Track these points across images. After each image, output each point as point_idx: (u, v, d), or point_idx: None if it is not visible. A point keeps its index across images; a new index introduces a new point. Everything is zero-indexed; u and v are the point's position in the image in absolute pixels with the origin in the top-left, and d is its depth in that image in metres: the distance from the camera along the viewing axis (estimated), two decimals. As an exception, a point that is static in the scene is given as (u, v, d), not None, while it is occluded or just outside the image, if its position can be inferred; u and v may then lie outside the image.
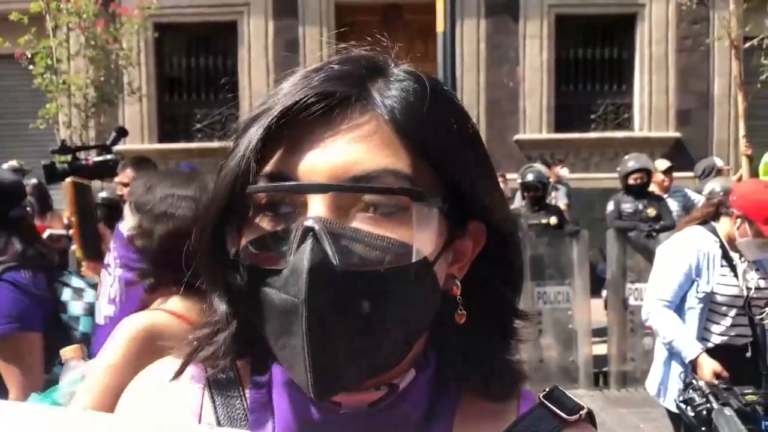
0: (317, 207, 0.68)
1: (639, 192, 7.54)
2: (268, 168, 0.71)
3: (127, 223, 1.86)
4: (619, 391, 7.03)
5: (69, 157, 4.14)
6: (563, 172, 10.00)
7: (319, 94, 0.71)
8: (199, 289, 1.79)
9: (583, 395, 6.64)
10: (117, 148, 5.23)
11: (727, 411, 3.11)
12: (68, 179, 2.94)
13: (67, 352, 1.98)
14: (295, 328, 0.66)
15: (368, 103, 0.72)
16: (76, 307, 2.66)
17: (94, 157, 4.53)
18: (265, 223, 0.71)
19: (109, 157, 4.51)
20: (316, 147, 0.70)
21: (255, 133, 0.71)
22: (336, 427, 0.73)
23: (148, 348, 1.59)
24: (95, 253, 2.79)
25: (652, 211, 7.43)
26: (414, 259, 0.69)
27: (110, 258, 1.96)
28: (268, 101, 0.74)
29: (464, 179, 0.74)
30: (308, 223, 0.67)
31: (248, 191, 0.70)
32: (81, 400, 1.61)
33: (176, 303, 1.78)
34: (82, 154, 4.30)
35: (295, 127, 0.71)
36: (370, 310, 0.67)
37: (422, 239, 0.70)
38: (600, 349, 7.32)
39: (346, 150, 0.70)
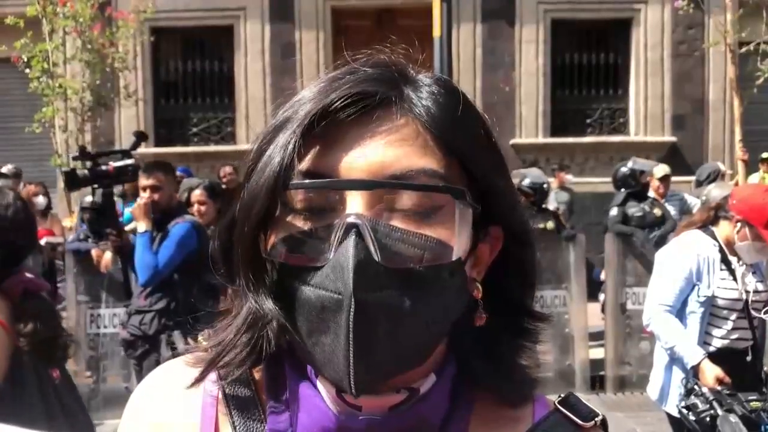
0: (356, 204, 0.69)
1: (640, 195, 7.56)
2: (304, 166, 0.71)
3: None
4: (616, 395, 7.03)
5: (88, 163, 4.13)
6: (569, 177, 10.05)
7: (358, 94, 0.71)
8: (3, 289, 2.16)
9: (579, 399, 6.63)
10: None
11: (732, 418, 3.11)
12: None
13: None
14: (333, 323, 0.66)
15: (405, 106, 0.73)
16: None
17: (114, 163, 4.53)
18: (296, 221, 0.71)
19: (129, 162, 4.50)
20: (354, 146, 0.71)
21: (294, 131, 0.71)
22: None
23: None
24: None
25: (658, 212, 7.46)
26: (454, 258, 0.70)
27: None
28: (294, 105, 0.75)
29: (490, 180, 0.76)
30: (351, 219, 0.67)
31: (292, 187, 0.70)
32: None
33: None
34: (100, 160, 4.29)
35: (330, 127, 0.71)
36: (410, 308, 0.68)
37: (461, 239, 0.71)
38: (596, 353, 7.32)
39: (384, 149, 0.71)
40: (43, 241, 7.84)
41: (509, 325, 0.81)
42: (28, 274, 2.31)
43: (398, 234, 0.69)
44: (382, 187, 0.69)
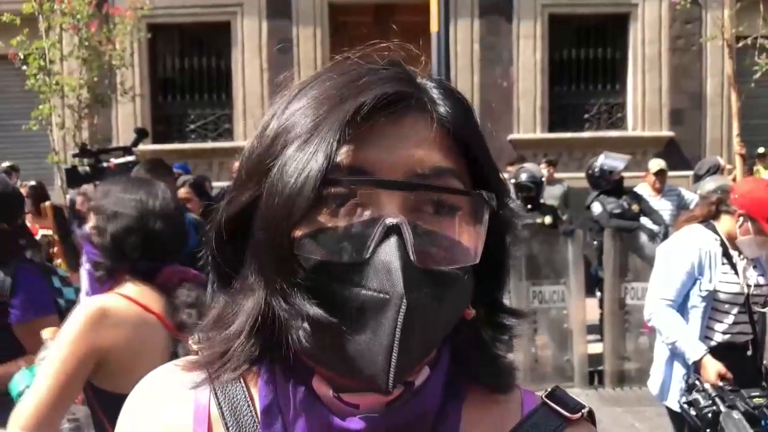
0: (392, 204, 0.70)
1: (617, 191, 7.55)
2: (345, 161, 0.71)
3: (89, 224, 2.18)
4: (614, 390, 7.04)
5: (87, 160, 4.13)
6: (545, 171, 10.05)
7: (396, 94, 0.72)
8: (149, 277, 2.07)
9: (578, 394, 6.65)
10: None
11: (735, 414, 3.11)
12: (47, 203, 3.16)
13: (45, 332, 2.34)
14: (375, 322, 0.67)
15: (429, 106, 0.75)
16: (69, 293, 3.01)
17: (116, 160, 4.52)
18: (327, 217, 0.71)
19: (130, 159, 4.50)
20: (387, 145, 0.72)
21: (333, 128, 0.70)
22: (355, 430, 0.73)
23: (99, 324, 1.94)
24: (76, 264, 3.15)
25: (636, 207, 7.46)
26: (476, 260, 0.74)
27: (83, 257, 2.28)
28: (314, 106, 0.74)
29: (492, 180, 0.78)
30: (393, 220, 0.69)
31: (341, 184, 0.70)
32: (46, 368, 1.92)
33: (129, 288, 2.08)
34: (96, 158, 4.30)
35: (364, 125, 0.71)
36: (438, 307, 0.70)
37: (480, 241, 0.75)
38: (595, 348, 7.33)
39: (414, 149, 0.72)
40: (38, 236, 7.83)
41: (488, 319, 0.84)
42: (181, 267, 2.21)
43: (431, 237, 0.71)
44: (425, 189, 0.71)
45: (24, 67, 9.20)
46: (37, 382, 1.92)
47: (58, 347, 1.93)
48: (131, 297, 2.04)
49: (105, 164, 4.49)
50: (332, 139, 0.69)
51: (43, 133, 9.87)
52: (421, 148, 0.72)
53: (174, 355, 1.98)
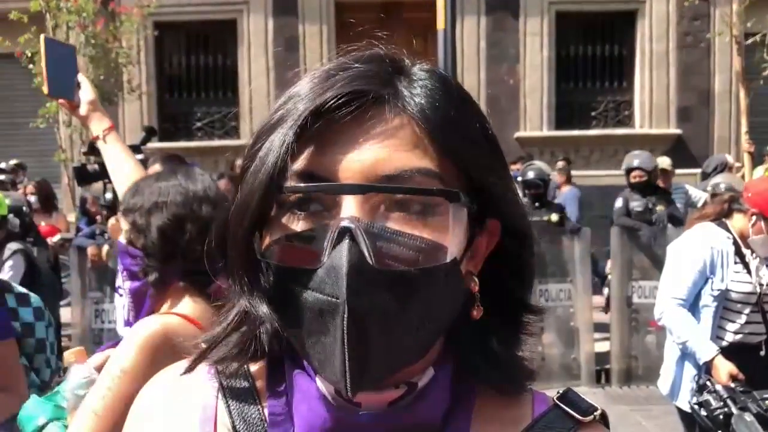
0: (350, 206, 0.69)
1: (644, 189, 7.55)
2: (298, 166, 0.71)
3: (123, 232, 1.81)
4: (621, 389, 7.02)
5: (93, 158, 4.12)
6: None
7: (351, 93, 0.71)
8: (205, 290, 1.68)
9: (584, 392, 6.63)
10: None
11: (748, 416, 3.08)
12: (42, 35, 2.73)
13: (69, 355, 1.88)
14: (331, 326, 0.67)
15: (398, 103, 0.73)
16: (26, 314, 2.63)
17: None
18: (291, 221, 0.71)
19: (139, 157, 4.50)
20: (348, 146, 0.71)
21: (287, 132, 0.70)
22: (356, 429, 0.73)
23: (163, 353, 1.52)
24: (61, 92, 2.52)
25: (661, 208, 7.44)
26: (448, 259, 0.71)
27: (118, 279, 1.88)
28: (288, 103, 0.74)
29: (485, 178, 0.75)
30: (345, 223, 0.67)
31: (287, 190, 0.70)
32: (93, 405, 1.54)
33: (187, 306, 1.73)
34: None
35: (323, 126, 0.70)
36: (403, 309, 0.68)
37: (455, 239, 0.72)
38: (602, 347, 7.32)
39: (379, 149, 0.71)
40: (56, 238, 7.88)
41: (506, 318, 0.82)
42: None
43: (392, 236, 0.69)
44: (376, 191, 0.69)
45: (31, 65, 9.22)
46: (80, 421, 1.54)
47: (110, 379, 1.55)
48: (192, 318, 1.66)
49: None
50: (284, 144, 0.69)
51: (50, 130, 9.90)
52: (383, 147, 0.70)
53: None
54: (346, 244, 0.66)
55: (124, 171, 2.27)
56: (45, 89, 2.40)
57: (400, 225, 0.70)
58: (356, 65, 0.74)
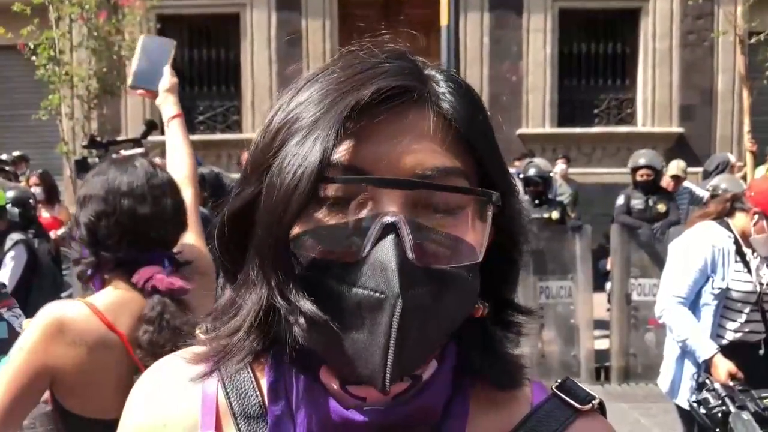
0: (392, 202, 0.69)
1: (648, 187, 7.55)
2: (339, 159, 0.69)
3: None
4: (620, 386, 7.04)
5: (95, 151, 4.13)
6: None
7: (398, 88, 0.71)
8: (129, 279, 1.80)
9: (584, 390, 6.64)
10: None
11: (745, 415, 3.08)
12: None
13: (26, 323, 2.04)
14: (370, 321, 0.67)
15: (433, 102, 0.73)
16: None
17: (125, 152, 4.54)
18: (325, 214, 0.70)
19: (139, 150, 4.51)
20: (387, 141, 0.70)
21: (331, 125, 0.69)
22: (361, 423, 0.73)
23: (54, 336, 1.72)
24: (145, 83, 2.75)
25: (662, 207, 7.43)
26: (479, 259, 0.73)
27: None
28: (315, 96, 0.73)
29: (498, 179, 0.76)
30: (390, 218, 0.68)
31: (339, 181, 0.69)
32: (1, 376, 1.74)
33: (104, 297, 1.84)
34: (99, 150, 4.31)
35: (363, 120, 0.70)
36: (436, 305, 0.69)
37: (484, 239, 0.73)
38: (601, 344, 7.33)
39: (417, 147, 0.71)
40: (60, 231, 7.88)
41: (498, 317, 0.83)
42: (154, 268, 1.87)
43: (431, 235, 0.70)
44: (426, 188, 0.69)
45: (34, 57, 9.23)
46: None
47: (14, 356, 1.73)
48: (98, 309, 1.78)
49: (115, 156, 4.50)
50: (330, 135, 0.68)
51: (52, 123, 9.90)
52: (421, 145, 0.71)
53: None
54: (391, 239, 0.66)
55: (174, 160, 2.37)
56: (129, 81, 2.58)
57: (433, 223, 0.70)
58: (387, 61, 0.74)
